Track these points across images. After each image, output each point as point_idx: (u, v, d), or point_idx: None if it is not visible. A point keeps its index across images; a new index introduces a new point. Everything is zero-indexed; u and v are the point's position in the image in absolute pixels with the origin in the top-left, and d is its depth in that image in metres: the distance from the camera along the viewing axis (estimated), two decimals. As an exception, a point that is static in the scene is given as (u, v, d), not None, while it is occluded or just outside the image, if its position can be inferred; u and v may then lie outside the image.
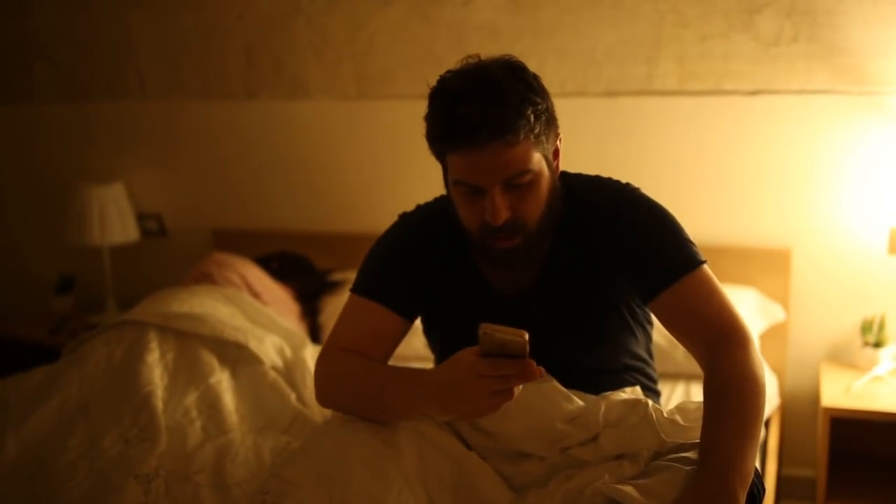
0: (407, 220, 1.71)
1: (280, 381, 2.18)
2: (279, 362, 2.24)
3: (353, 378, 1.57)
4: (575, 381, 1.60)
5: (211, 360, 2.16)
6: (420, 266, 1.65)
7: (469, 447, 1.58)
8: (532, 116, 1.43)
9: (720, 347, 1.47)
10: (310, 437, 1.64)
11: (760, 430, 1.38)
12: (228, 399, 2.07)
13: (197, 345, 2.19)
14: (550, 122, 1.50)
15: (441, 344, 1.77)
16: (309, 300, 3.05)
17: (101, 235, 3.37)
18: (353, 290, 1.67)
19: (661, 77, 2.86)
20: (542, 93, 1.48)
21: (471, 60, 1.50)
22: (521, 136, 1.42)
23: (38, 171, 3.73)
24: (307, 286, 3.08)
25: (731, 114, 2.83)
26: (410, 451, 1.49)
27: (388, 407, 1.51)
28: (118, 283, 3.56)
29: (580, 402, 1.56)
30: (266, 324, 2.46)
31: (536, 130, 1.44)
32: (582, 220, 1.59)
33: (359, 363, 1.58)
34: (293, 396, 2.14)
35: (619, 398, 1.57)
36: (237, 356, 2.21)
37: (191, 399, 2.04)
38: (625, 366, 1.70)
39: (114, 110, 3.56)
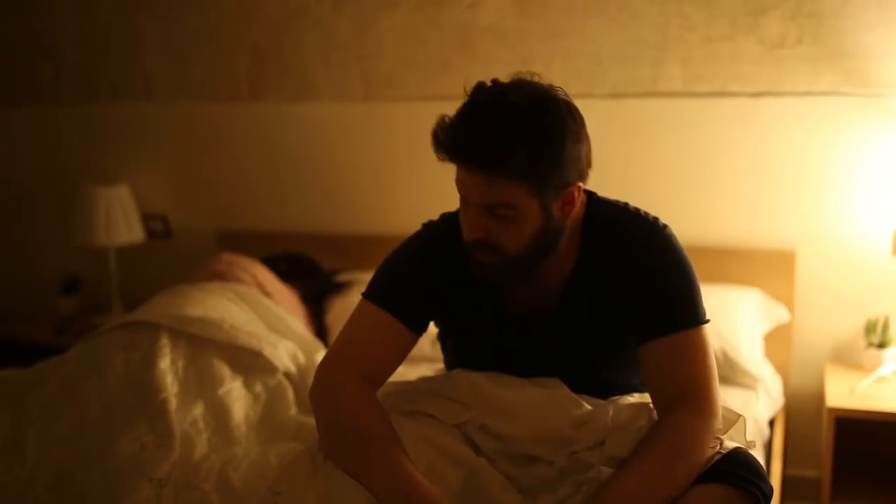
0: (429, 231, 1.69)
1: (290, 392, 2.19)
2: (293, 368, 2.24)
3: (349, 427, 1.52)
4: (585, 394, 1.61)
5: (222, 368, 2.16)
6: (436, 280, 1.64)
7: (478, 450, 1.58)
8: (526, 164, 1.40)
9: (678, 406, 1.46)
10: (316, 444, 1.62)
11: (675, 489, 1.36)
12: (238, 409, 2.08)
13: (209, 352, 2.18)
14: (558, 171, 1.44)
15: (455, 354, 1.77)
16: (315, 302, 3.06)
17: (107, 236, 3.38)
18: (364, 295, 1.66)
19: (666, 79, 2.87)
20: (561, 139, 1.42)
21: (524, 76, 1.48)
22: (506, 177, 1.42)
23: (44, 172, 3.74)
24: (313, 288, 3.08)
25: (736, 115, 2.84)
26: (419, 460, 1.50)
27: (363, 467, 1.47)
28: (123, 283, 3.57)
29: (588, 407, 1.57)
30: (280, 328, 2.46)
31: (528, 177, 1.42)
32: (608, 251, 1.57)
33: (361, 412, 1.53)
34: (294, 410, 2.15)
35: (627, 402, 1.59)
36: (251, 363, 2.20)
37: (198, 411, 2.03)
38: (635, 383, 1.70)
39: (120, 112, 3.57)
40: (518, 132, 1.40)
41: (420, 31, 3.09)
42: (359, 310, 1.65)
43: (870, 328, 2.73)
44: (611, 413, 1.53)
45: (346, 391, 1.55)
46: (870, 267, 2.79)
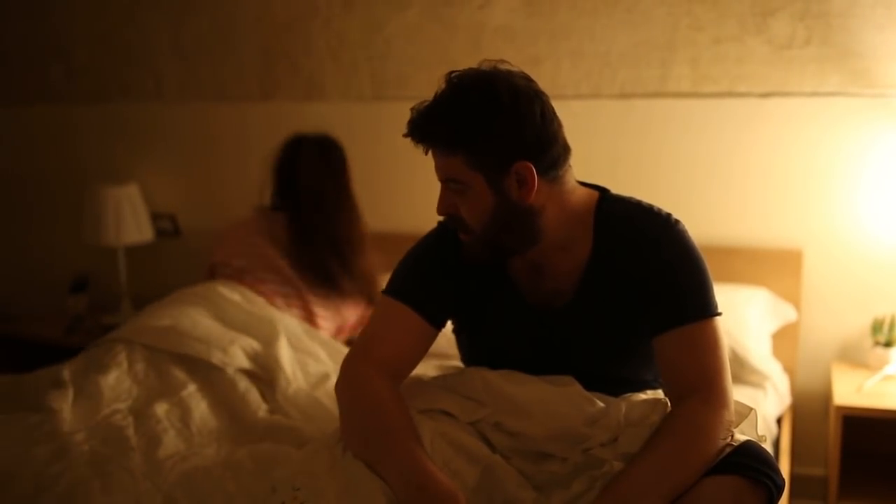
0: (444, 227, 1.72)
1: (254, 392, 2.21)
2: (250, 366, 2.26)
3: (372, 422, 1.55)
4: (598, 389, 1.63)
5: (180, 373, 2.21)
6: (453, 275, 1.67)
7: (493, 447, 1.60)
8: (450, 136, 1.50)
9: (690, 397, 1.48)
10: (334, 438, 1.64)
11: (686, 478, 1.39)
12: (198, 412, 2.12)
13: (167, 359, 2.24)
14: (486, 145, 1.49)
15: (471, 349, 1.79)
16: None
17: (117, 235, 3.40)
18: (384, 292, 1.69)
19: (675, 79, 2.89)
20: (486, 115, 1.48)
21: (486, 63, 1.56)
22: (441, 150, 1.52)
23: (55, 171, 3.76)
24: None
25: (744, 115, 2.86)
26: (435, 457, 1.51)
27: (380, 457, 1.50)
28: (132, 282, 3.59)
29: (601, 405, 1.58)
30: (239, 324, 2.44)
31: (457, 149, 1.50)
32: (621, 244, 1.60)
33: (381, 405, 1.56)
34: (263, 408, 2.17)
35: (639, 398, 1.59)
36: (208, 366, 2.24)
37: (161, 411, 2.07)
38: (648, 379, 1.72)
39: (131, 111, 3.59)
40: (446, 108, 1.50)
41: (430, 32, 3.11)
42: (380, 305, 1.70)
43: (876, 327, 2.75)
44: (623, 410, 1.54)
45: (368, 384, 1.58)
46: (876, 266, 2.80)
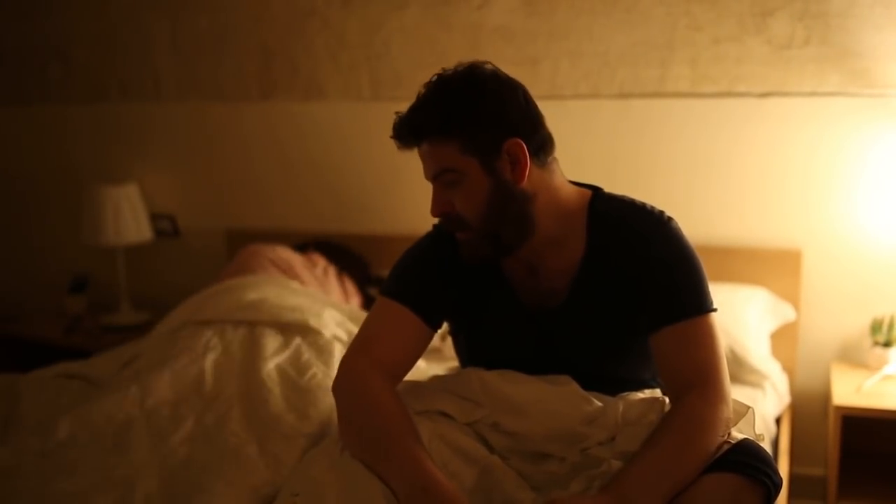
0: (440, 228, 1.72)
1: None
2: (342, 334, 2.30)
3: (373, 426, 1.54)
4: (596, 389, 1.63)
5: (276, 340, 2.25)
6: (449, 274, 1.67)
7: (491, 448, 1.60)
8: (443, 120, 1.52)
9: (688, 394, 1.49)
10: (332, 440, 1.64)
11: (687, 474, 1.39)
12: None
13: (262, 334, 2.27)
14: (479, 125, 1.52)
15: (467, 350, 1.79)
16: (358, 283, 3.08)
17: (116, 235, 3.40)
18: (381, 292, 1.69)
19: (673, 79, 2.89)
20: (475, 96, 1.52)
21: (460, 66, 1.58)
22: (433, 140, 1.54)
23: (54, 171, 3.76)
24: (348, 267, 3.09)
25: (743, 115, 2.86)
26: (435, 461, 1.50)
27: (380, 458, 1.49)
28: (132, 282, 3.59)
29: (599, 404, 1.58)
30: (320, 299, 2.51)
31: (451, 132, 1.52)
32: (614, 242, 1.60)
33: (382, 406, 1.55)
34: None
35: (637, 398, 1.60)
36: (303, 334, 2.28)
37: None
38: (646, 378, 1.72)
39: (129, 111, 3.59)
40: (434, 98, 1.54)
41: (429, 32, 3.10)
42: (377, 306, 1.69)
43: (875, 327, 2.75)
44: (621, 409, 1.54)
45: (367, 385, 1.57)
46: (875, 266, 2.80)
